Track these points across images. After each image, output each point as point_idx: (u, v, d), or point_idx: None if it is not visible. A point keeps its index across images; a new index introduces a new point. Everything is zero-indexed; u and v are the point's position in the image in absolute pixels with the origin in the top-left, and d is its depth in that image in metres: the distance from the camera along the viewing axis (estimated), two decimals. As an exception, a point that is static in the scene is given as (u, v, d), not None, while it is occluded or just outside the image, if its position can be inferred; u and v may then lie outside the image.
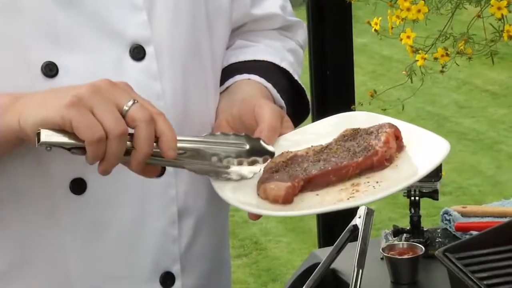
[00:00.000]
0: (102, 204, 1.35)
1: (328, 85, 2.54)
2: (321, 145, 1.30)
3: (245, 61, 1.52)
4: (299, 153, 1.29)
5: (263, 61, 1.53)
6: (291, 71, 1.54)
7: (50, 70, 1.30)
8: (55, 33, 1.31)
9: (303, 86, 1.56)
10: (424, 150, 1.25)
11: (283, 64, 1.54)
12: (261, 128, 1.33)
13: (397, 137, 1.26)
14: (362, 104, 2.23)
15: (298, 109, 1.56)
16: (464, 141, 5.59)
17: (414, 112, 5.38)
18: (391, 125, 1.27)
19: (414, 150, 1.26)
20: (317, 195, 1.25)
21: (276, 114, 1.37)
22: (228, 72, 1.51)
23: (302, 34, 1.66)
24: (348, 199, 1.21)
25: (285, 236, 4.62)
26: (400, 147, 1.26)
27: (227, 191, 1.27)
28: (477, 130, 5.80)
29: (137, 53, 1.35)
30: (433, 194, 1.81)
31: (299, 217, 4.81)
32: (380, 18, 1.87)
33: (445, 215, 1.92)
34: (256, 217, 1.27)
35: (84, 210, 1.34)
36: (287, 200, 1.21)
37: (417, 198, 1.81)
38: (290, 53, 1.60)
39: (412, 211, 1.82)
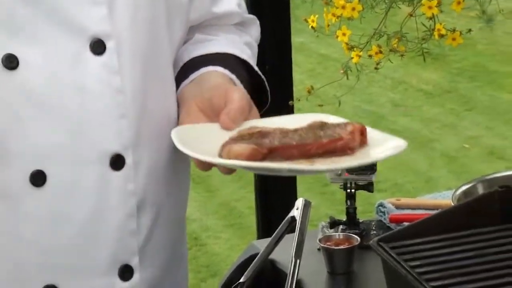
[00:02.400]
0: (61, 197, 1.33)
1: (267, 81, 2.55)
2: (288, 128, 1.30)
3: (207, 54, 1.52)
4: (266, 129, 1.30)
5: (224, 53, 1.53)
6: (251, 62, 1.55)
7: (10, 62, 1.28)
8: (14, 25, 1.29)
9: (263, 76, 1.57)
10: (382, 146, 1.27)
11: (244, 56, 1.54)
12: (229, 108, 1.34)
13: (362, 133, 1.27)
14: (299, 100, 2.26)
15: (256, 100, 1.54)
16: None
17: (351, 110, 5.41)
18: (359, 122, 1.28)
19: (375, 147, 1.28)
20: None
21: (246, 98, 1.38)
22: (191, 65, 1.51)
23: (256, 30, 1.67)
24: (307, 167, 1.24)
25: (224, 232, 4.62)
26: (363, 143, 1.27)
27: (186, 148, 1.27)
28: (411, 128, 5.86)
29: (98, 47, 1.34)
30: (369, 187, 1.85)
31: (239, 213, 4.87)
32: (316, 16, 1.90)
33: (380, 207, 1.96)
34: (204, 166, 1.30)
35: (43, 203, 1.32)
36: (250, 159, 1.22)
37: (353, 190, 1.84)
38: (247, 46, 1.60)
39: (348, 203, 1.85)
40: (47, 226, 1.34)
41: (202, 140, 1.30)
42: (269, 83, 2.68)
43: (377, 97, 6.16)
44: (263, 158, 1.24)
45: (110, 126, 1.34)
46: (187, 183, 1.59)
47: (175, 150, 1.40)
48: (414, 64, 5.93)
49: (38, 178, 1.32)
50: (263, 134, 1.28)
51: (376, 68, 1.87)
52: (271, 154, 1.25)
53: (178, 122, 1.44)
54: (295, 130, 1.29)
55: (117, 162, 1.35)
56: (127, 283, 1.39)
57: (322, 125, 1.30)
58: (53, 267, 1.35)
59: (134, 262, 1.39)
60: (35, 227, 1.34)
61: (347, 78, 1.93)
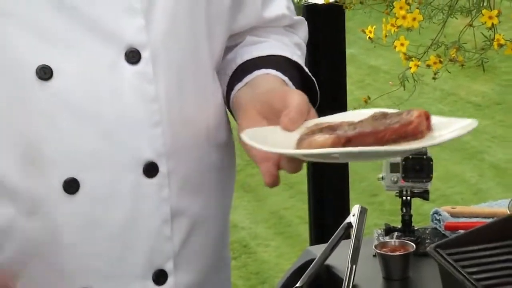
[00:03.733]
0: (94, 204, 1.32)
1: (320, 93, 2.55)
2: (353, 121, 1.29)
3: (259, 57, 1.49)
4: (333, 124, 1.28)
5: (276, 55, 1.50)
6: (301, 63, 1.53)
7: (44, 73, 1.27)
8: (49, 36, 1.28)
9: (312, 77, 1.54)
10: (451, 127, 1.26)
11: (295, 58, 1.51)
12: (289, 110, 1.30)
13: (427, 117, 1.25)
14: (355, 109, 2.26)
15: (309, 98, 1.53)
16: (448, 151, 5.58)
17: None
18: (421, 109, 1.27)
19: (442, 130, 1.26)
20: None
21: (304, 100, 1.33)
22: (244, 68, 1.49)
23: (304, 30, 1.64)
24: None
25: (273, 240, 4.60)
26: (429, 127, 1.25)
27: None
28: (460, 140, 5.79)
29: (133, 57, 1.32)
30: (424, 194, 1.84)
31: (289, 221, 4.84)
32: (374, 27, 1.90)
33: (435, 215, 1.94)
34: (274, 181, 1.27)
35: (77, 210, 1.31)
36: (333, 146, 1.22)
37: (408, 198, 1.84)
38: (297, 47, 1.58)
39: (404, 210, 1.84)
40: (82, 233, 1.33)
41: (270, 142, 1.27)
42: (324, 93, 2.69)
43: (426, 108, 6.06)
44: (343, 147, 1.22)
45: (143, 134, 1.33)
46: (229, 193, 1.56)
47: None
48: (464, 76, 5.86)
49: (71, 186, 1.30)
50: (333, 127, 1.26)
51: (434, 78, 1.86)
52: (348, 143, 1.23)
53: (238, 126, 1.39)
54: (361, 122, 1.28)
55: (150, 169, 1.33)
56: (161, 287, 1.40)
57: (385, 115, 1.29)
58: (88, 272, 1.35)
59: (169, 267, 1.39)
60: (71, 233, 1.33)
61: (404, 89, 1.93)
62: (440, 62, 1.81)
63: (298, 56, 1.54)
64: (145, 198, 1.34)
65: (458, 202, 4.82)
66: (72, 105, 1.28)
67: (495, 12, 1.72)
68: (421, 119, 1.23)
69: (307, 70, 1.54)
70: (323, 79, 2.56)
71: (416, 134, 1.24)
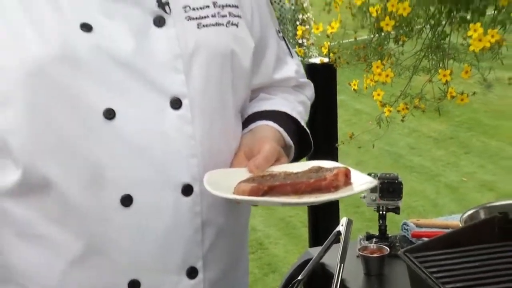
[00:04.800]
0: (144, 215, 1.28)
1: (318, 129, 2.52)
2: (292, 171, 1.27)
3: (265, 110, 1.46)
4: (274, 172, 1.27)
5: (278, 110, 1.47)
6: (299, 118, 1.49)
7: (109, 114, 1.24)
8: (113, 86, 1.24)
9: (307, 130, 1.51)
10: (359, 184, 1.21)
11: (294, 114, 1.48)
12: (257, 156, 1.31)
13: (347, 175, 1.21)
14: (343, 143, 2.23)
15: (304, 147, 1.51)
16: (413, 173, 5.55)
17: (377, 151, 5.36)
18: (345, 167, 1.23)
19: (355, 185, 1.21)
20: None
21: (273, 150, 1.33)
22: (253, 118, 1.46)
23: (310, 91, 1.60)
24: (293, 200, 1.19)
25: (282, 239, 4.56)
26: (347, 183, 1.21)
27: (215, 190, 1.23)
28: (423, 165, 5.77)
29: (175, 103, 1.28)
30: (396, 210, 1.80)
31: (293, 225, 4.79)
32: (357, 81, 1.87)
33: (404, 225, 1.90)
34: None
35: (130, 219, 1.27)
36: (250, 194, 1.19)
37: (384, 212, 1.79)
38: (301, 104, 1.54)
39: (380, 222, 1.80)
40: (134, 237, 1.30)
41: (232, 180, 1.25)
42: (320, 130, 2.65)
43: (397, 142, 6.07)
44: (264, 193, 1.20)
45: (182, 163, 1.29)
46: (247, 206, 1.51)
47: None
48: (425, 117, 5.84)
49: (126, 200, 1.27)
50: (271, 175, 1.25)
51: (402, 120, 1.83)
52: (271, 190, 1.20)
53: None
54: (296, 173, 1.25)
55: (187, 190, 1.30)
56: (192, 281, 1.35)
57: (318, 169, 1.26)
58: (137, 267, 1.32)
59: (199, 265, 1.35)
60: (125, 238, 1.29)
61: (380, 127, 1.89)
62: (407, 108, 1.78)
63: (299, 111, 1.51)
64: (182, 212, 1.30)
65: (421, 212, 4.79)
66: (129, 139, 1.25)
67: (448, 71, 1.69)
68: (336, 177, 1.19)
69: (303, 123, 1.49)
70: (320, 118, 2.54)
71: (329, 188, 1.19)
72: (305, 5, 8.70)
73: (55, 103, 1.21)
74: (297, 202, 1.21)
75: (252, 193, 1.19)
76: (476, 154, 5.98)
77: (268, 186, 1.20)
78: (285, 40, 1.55)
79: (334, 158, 2.54)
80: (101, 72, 1.22)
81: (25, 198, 1.27)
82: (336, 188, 1.19)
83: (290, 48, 1.57)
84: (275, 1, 8.54)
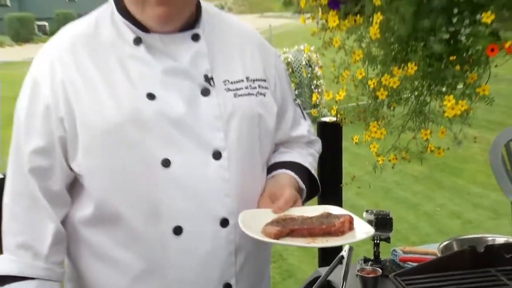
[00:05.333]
0: (191, 242, 1.24)
1: (327, 171, 2.46)
2: (308, 216, 1.25)
3: (284, 161, 1.43)
4: (293, 215, 1.24)
5: (294, 161, 1.44)
6: (310, 168, 1.46)
7: (166, 163, 1.20)
8: (170, 141, 1.21)
9: (316, 177, 1.48)
10: (361, 231, 1.21)
11: (306, 164, 1.45)
12: (279, 200, 1.28)
13: (350, 222, 1.21)
14: (347, 184, 2.18)
15: (313, 189, 1.48)
16: (399, 204, 5.43)
17: (372, 185, 5.25)
18: (350, 216, 1.22)
19: (358, 231, 1.21)
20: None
21: (292, 195, 1.30)
22: (275, 166, 1.43)
23: (318, 146, 1.57)
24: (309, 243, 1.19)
25: (297, 251, 4.43)
26: (351, 228, 1.21)
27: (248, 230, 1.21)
28: (406, 197, 5.64)
29: (217, 155, 1.25)
30: (387, 239, 1.71)
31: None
32: (358, 135, 1.84)
33: (393, 251, 1.81)
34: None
35: (180, 245, 1.23)
36: (276, 237, 1.17)
37: (378, 241, 1.71)
38: (311, 156, 1.51)
39: (375, 248, 1.72)
40: (182, 259, 1.25)
41: (260, 219, 1.23)
42: (327, 173, 2.56)
43: (387, 178, 5.94)
44: (287, 235, 1.18)
45: (220, 201, 1.25)
46: None
47: None
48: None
49: (178, 230, 1.23)
50: (291, 218, 1.23)
51: (392, 167, 1.77)
52: (292, 232, 1.18)
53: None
54: (311, 217, 1.23)
55: (224, 222, 1.26)
56: None
57: (328, 215, 1.25)
58: (184, 282, 1.26)
59: (233, 281, 1.30)
60: (175, 259, 1.25)
61: (375, 172, 1.83)
62: (396, 158, 1.74)
63: (310, 162, 1.47)
64: (220, 240, 1.26)
65: (404, 234, 4.64)
66: (181, 183, 1.22)
67: (428, 131, 1.66)
68: (343, 224, 1.20)
69: (313, 172, 1.47)
70: (329, 163, 2.49)
71: (337, 233, 1.19)
72: (318, 74, 8.69)
73: (124, 154, 1.20)
74: (311, 246, 1.19)
75: (276, 236, 1.16)
76: (447, 190, 5.82)
77: (289, 229, 1.18)
78: (299, 106, 1.52)
79: (339, 192, 2.48)
80: (160, 130, 1.20)
81: (99, 227, 1.25)
82: (342, 233, 1.18)
83: (304, 112, 1.54)
84: (295, 71, 8.54)
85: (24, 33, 30.61)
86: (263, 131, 1.34)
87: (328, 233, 1.18)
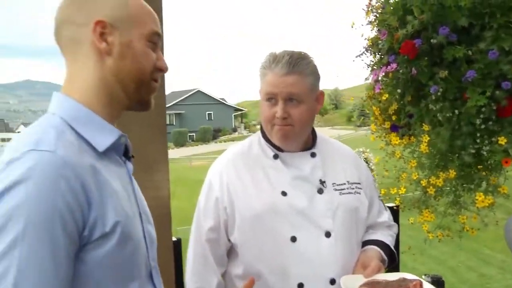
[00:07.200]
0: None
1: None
2: (389, 280, 1.35)
3: (372, 239, 1.57)
4: (379, 279, 1.36)
5: (379, 240, 1.57)
6: (390, 245, 1.59)
7: (293, 239, 1.41)
8: (296, 225, 1.41)
9: (394, 250, 1.59)
10: None
11: (387, 242, 1.58)
12: (368, 269, 1.41)
13: (421, 285, 1.32)
14: (403, 253, 2.34)
15: (391, 259, 1.60)
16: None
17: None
18: (420, 280, 1.34)
19: None
20: None
21: (378, 265, 1.43)
22: (365, 243, 1.55)
23: (395, 229, 1.68)
24: None
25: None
26: None
27: None
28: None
29: (328, 234, 1.43)
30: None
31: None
32: (413, 218, 2.05)
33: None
34: None
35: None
36: None
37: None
38: (391, 237, 1.64)
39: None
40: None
41: (356, 282, 1.36)
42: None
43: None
44: None
45: (330, 267, 1.42)
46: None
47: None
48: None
49: (300, 286, 1.41)
50: (378, 281, 1.34)
51: (439, 241, 1.92)
52: None
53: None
54: (392, 281, 1.34)
55: (332, 282, 1.42)
56: None
57: (404, 280, 1.35)
58: None
59: None
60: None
61: (425, 244, 2.01)
62: (442, 235, 1.96)
63: (390, 240, 1.61)
64: None
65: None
66: (303, 253, 1.42)
67: (464, 217, 1.89)
68: (415, 286, 1.31)
69: (393, 248, 1.60)
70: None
71: None
72: (373, 167, 9.02)
73: (263, 232, 1.43)
74: None
75: None
76: (465, 251, 5.68)
77: None
78: (382, 201, 1.70)
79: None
80: (289, 217, 1.43)
81: (247, 280, 1.38)
82: None
83: (385, 205, 1.72)
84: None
85: (181, 140, 44.61)
86: (359, 218, 1.52)
87: None
